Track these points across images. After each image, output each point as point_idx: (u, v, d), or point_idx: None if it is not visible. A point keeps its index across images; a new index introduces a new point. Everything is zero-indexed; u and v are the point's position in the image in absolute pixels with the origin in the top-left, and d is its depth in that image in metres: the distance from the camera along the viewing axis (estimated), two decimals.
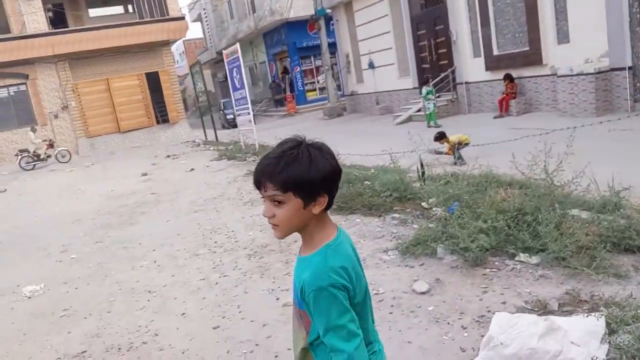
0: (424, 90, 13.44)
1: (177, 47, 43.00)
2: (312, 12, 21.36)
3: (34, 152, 18.17)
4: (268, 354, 3.28)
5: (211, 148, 16.27)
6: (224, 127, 25.14)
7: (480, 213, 4.28)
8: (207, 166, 12.37)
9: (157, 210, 8.27)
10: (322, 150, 1.39)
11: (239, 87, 13.69)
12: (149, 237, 6.64)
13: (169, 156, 15.43)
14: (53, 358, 3.72)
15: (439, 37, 15.60)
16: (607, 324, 2.68)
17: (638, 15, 9.54)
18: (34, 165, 18.03)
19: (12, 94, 21.46)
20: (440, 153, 8.62)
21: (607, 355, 2.53)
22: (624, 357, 2.44)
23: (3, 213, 10.29)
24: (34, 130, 18.69)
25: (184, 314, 4.14)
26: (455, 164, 7.96)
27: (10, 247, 7.29)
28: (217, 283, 4.65)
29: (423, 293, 3.65)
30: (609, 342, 2.59)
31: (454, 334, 3.11)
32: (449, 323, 3.24)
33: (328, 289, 1.33)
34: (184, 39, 34.34)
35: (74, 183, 12.96)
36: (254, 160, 11.84)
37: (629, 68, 9.75)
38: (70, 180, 13.87)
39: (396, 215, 5.46)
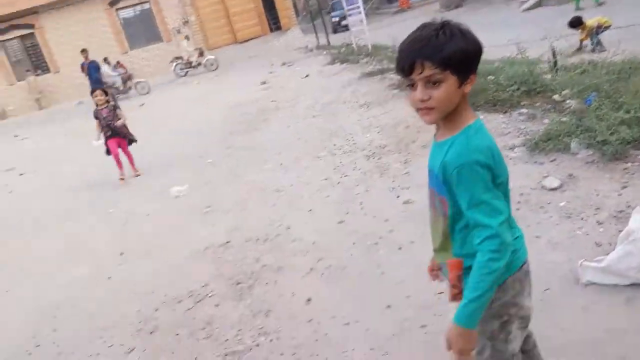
0: None
1: None
2: None
3: (188, 59, 19.33)
4: (392, 245, 3.44)
5: (324, 52, 16.21)
6: (334, 32, 24.21)
7: (622, 103, 3.88)
8: (321, 71, 12.43)
9: (277, 116, 8.63)
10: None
11: None
12: (272, 142, 7.03)
13: (284, 64, 15.70)
14: (203, 246, 4.25)
15: None
16: None
17: None
18: (187, 72, 19.21)
19: (137, 13, 22.85)
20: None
21: None
22: None
23: (144, 124, 11.44)
24: (187, 39, 19.61)
25: (310, 210, 4.43)
26: (593, 50, 7.13)
27: (155, 155, 8.13)
28: (338, 183, 4.87)
29: (554, 189, 3.49)
30: None
31: (588, 229, 2.98)
32: (582, 219, 3.10)
33: (472, 166, 1.32)
34: None
35: (204, 94, 13.83)
36: (366, 62, 11.65)
37: None
38: (199, 92, 14.82)
39: (524, 110, 5.13)
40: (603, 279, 2.48)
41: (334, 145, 6.06)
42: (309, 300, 3.10)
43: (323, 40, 18.83)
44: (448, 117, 1.40)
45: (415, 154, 4.97)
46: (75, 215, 6.02)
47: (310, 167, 5.56)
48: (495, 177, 1.36)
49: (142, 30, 22.80)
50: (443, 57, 1.30)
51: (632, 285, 2.40)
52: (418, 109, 1.39)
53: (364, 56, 12.34)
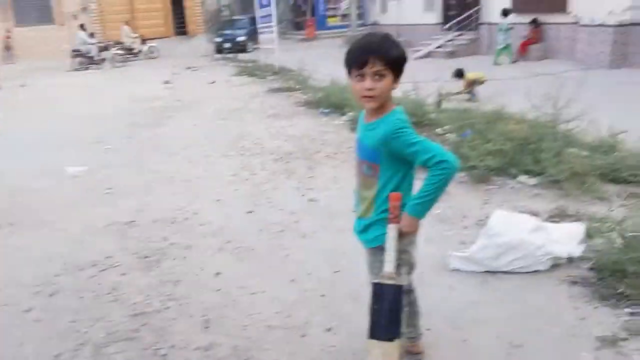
0: (505, 23, 12.61)
1: None
2: None
3: (129, 46, 19.52)
4: (297, 233, 3.87)
5: (230, 64, 16.47)
6: (218, 52, 20.65)
7: (490, 139, 4.76)
8: (228, 80, 12.71)
9: (183, 115, 8.74)
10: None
11: (265, 4, 13.67)
12: (178, 138, 7.16)
13: (189, 68, 15.68)
14: (104, 223, 4.28)
15: None
16: (587, 232, 3.23)
17: None
18: (127, 58, 19.06)
19: None
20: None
21: (582, 253, 3.08)
22: (595, 256, 3.00)
23: (26, 109, 10.74)
24: (83, 28, 19.14)
25: (219, 200, 4.71)
26: (469, 100, 8.33)
27: (44, 138, 7.79)
28: (247, 179, 5.21)
29: None
30: (586, 244, 3.14)
31: (456, 231, 3.68)
32: (452, 223, 3.81)
33: (404, 127, 1.83)
34: None
35: (97, 85, 13.32)
36: (273, 79, 12.16)
37: None
38: (97, 82, 14.20)
39: None
40: (466, 266, 3.13)
41: (243, 147, 6.40)
42: (218, 273, 3.37)
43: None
44: (382, 104, 1.89)
45: (320, 162, 5.51)
46: None
47: (219, 163, 5.83)
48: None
49: (34, 7, 21.21)
50: (390, 58, 1.78)
51: (486, 272, 3.07)
52: (362, 97, 1.84)
53: (271, 74, 12.85)
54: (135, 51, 19.75)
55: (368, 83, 1.79)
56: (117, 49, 19.07)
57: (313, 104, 8.54)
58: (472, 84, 8.54)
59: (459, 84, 8.81)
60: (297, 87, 10.41)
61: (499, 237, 3.02)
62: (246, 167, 5.60)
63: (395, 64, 1.80)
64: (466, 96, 8.52)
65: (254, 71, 13.57)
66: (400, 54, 1.82)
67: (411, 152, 1.82)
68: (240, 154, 6.10)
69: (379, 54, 1.76)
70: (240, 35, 19.97)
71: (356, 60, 1.80)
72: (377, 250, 2.02)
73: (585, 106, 4.97)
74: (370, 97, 1.82)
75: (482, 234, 3.19)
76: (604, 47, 10.43)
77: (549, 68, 10.67)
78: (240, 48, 19.43)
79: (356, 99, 1.92)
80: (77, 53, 18.11)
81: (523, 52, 12.77)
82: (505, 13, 12.59)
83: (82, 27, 18.96)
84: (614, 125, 4.87)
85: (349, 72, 1.87)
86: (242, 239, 3.85)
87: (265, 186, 4.95)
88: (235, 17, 23.64)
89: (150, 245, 3.85)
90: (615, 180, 4.15)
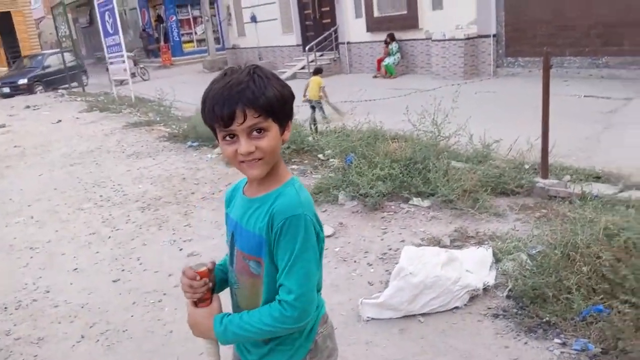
0: (394, 46, 12.90)
1: None
2: None
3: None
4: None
5: (78, 99, 14.85)
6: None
7: (376, 162, 4.55)
8: (77, 118, 11.31)
9: (24, 164, 7.45)
10: (274, 72, 1.25)
11: (111, 32, 12.56)
12: (20, 192, 6.00)
13: (28, 107, 13.81)
14: None
15: None
16: (494, 254, 3.09)
17: None
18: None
19: None
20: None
21: (495, 279, 2.91)
22: (509, 280, 2.84)
23: None
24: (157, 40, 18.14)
25: (76, 269, 3.87)
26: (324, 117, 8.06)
27: None
28: (109, 237, 4.40)
29: (329, 236, 3.83)
30: (497, 269, 2.98)
31: (361, 271, 3.33)
32: (355, 261, 3.46)
33: (307, 217, 1.20)
34: None
35: None
36: (130, 113, 11.10)
37: (493, 36, 10.76)
38: None
39: (295, 166, 5.58)
40: (380, 314, 2.78)
41: (100, 196, 5.49)
42: None
43: (77, 86, 17.30)
44: (272, 167, 1.26)
45: (195, 205, 4.86)
46: None
47: (72, 220, 4.90)
48: (318, 235, 1.26)
49: None
50: (266, 103, 1.17)
51: (405, 317, 2.75)
52: (241, 162, 1.22)
53: (127, 106, 11.74)
54: (131, 72, 16.90)
55: (244, 145, 1.18)
56: None
57: (179, 138, 7.78)
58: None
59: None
60: (159, 119, 9.55)
61: (413, 277, 2.72)
62: (107, 221, 4.75)
63: (278, 108, 1.20)
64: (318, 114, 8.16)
65: (107, 105, 12.29)
66: (279, 93, 1.20)
67: (281, 265, 1.21)
68: (98, 206, 5.20)
69: (249, 102, 1.16)
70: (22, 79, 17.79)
71: (219, 116, 1.17)
72: None
73: (454, 119, 5.02)
74: (253, 161, 1.21)
75: (394, 273, 2.87)
76: (456, 60, 11.16)
77: (409, 83, 11.15)
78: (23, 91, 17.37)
79: (232, 164, 1.25)
80: None
81: (379, 68, 13.26)
82: (392, 38, 12.95)
83: None
84: (483, 134, 4.94)
85: (212, 129, 1.24)
86: (110, 318, 3.13)
87: (133, 243, 4.19)
88: (28, 55, 20.04)
89: None
90: (504, 193, 4.15)
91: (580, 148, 5.18)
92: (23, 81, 17.72)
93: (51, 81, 18.03)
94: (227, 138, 1.20)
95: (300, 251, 1.19)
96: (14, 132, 10.32)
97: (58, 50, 18.71)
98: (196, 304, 1.34)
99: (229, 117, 1.16)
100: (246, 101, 1.15)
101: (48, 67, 18.24)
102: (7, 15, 19.93)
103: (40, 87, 17.79)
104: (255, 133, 1.18)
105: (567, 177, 4.25)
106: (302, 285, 1.20)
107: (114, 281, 3.60)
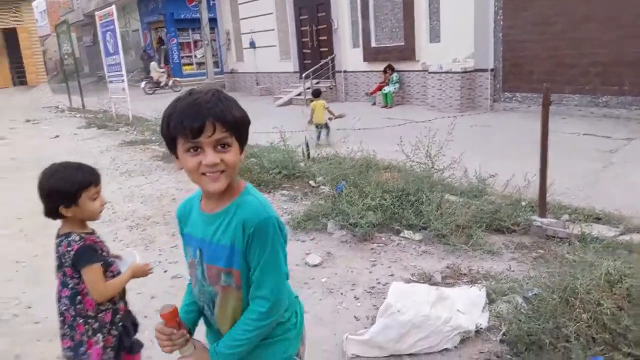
0: (395, 76, 13.08)
1: (37, 5, 38.20)
2: None
3: (157, 79, 20.67)
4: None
5: (77, 115, 14.83)
6: None
7: (367, 192, 4.47)
8: (75, 134, 11.26)
9: (19, 176, 7.33)
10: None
11: (112, 52, 12.62)
12: (10, 205, 5.89)
13: (28, 121, 13.78)
14: None
15: (320, 24, 15.83)
16: (487, 295, 2.97)
17: (501, 23, 10.62)
18: (154, 90, 20.23)
19: None
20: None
21: (488, 322, 2.80)
22: (503, 323, 2.73)
23: None
24: (157, 62, 21.09)
25: None
26: (326, 137, 8.33)
27: None
28: None
29: (315, 265, 3.73)
30: (490, 311, 2.87)
31: (348, 304, 3.22)
32: (342, 294, 3.35)
33: (273, 218, 1.32)
34: None
35: None
36: (127, 131, 11.06)
37: (491, 70, 10.84)
38: None
39: (285, 192, 5.49)
40: (366, 351, 2.66)
41: None
42: None
43: (77, 103, 17.29)
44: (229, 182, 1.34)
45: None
46: None
47: None
48: (282, 230, 1.37)
49: None
50: (233, 121, 1.26)
51: (391, 356, 2.63)
52: (203, 174, 1.29)
53: (124, 125, 11.71)
54: (162, 84, 19.57)
55: (210, 156, 1.26)
56: (146, 82, 18.92)
57: (172, 158, 7.67)
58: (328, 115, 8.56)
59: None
60: (154, 138, 9.50)
61: (401, 315, 2.61)
62: None
63: (242, 128, 1.31)
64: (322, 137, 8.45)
65: (105, 122, 12.27)
66: (244, 115, 1.32)
67: (254, 264, 1.34)
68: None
69: (219, 117, 1.24)
70: None
71: (187, 128, 1.23)
72: None
73: (449, 151, 4.98)
74: (216, 173, 1.28)
75: (382, 309, 2.76)
76: (453, 92, 11.20)
77: (404, 114, 11.15)
78: None
79: (193, 178, 1.32)
80: None
81: (375, 92, 13.35)
82: (392, 69, 13.09)
83: None
84: (479, 168, 4.88)
85: (172, 144, 1.31)
86: None
87: None
88: None
89: None
90: (499, 230, 4.05)
91: (579, 187, 5.09)
92: None
93: None
94: (192, 150, 1.27)
95: (272, 249, 1.32)
96: (12, 144, 10.28)
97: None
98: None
99: (199, 129, 1.23)
100: (216, 116, 1.24)
101: None
102: (12, 32, 20.08)
103: None
104: (220, 147, 1.27)
105: (566, 217, 4.11)
106: (274, 279, 1.33)
107: None
